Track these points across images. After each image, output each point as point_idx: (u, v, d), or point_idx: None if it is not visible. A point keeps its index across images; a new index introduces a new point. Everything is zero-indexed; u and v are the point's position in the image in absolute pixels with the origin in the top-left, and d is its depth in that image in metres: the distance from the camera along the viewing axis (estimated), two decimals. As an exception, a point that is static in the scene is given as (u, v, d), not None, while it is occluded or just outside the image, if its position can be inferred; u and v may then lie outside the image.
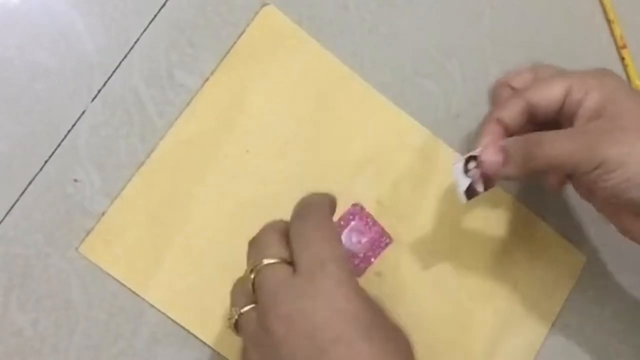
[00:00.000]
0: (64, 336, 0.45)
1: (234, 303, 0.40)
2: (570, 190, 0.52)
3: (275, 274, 0.38)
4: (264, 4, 0.49)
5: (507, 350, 0.50)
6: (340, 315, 0.36)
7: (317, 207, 0.40)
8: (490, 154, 0.44)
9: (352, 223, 0.48)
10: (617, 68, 0.55)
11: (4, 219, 0.45)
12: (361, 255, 0.48)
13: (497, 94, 0.49)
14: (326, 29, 0.50)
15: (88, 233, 0.45)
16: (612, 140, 0.41)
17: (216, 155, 0.47)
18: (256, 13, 0.49)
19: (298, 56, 0.49)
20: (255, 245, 0.40)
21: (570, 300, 0.52)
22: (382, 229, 0.49)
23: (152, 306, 0.46)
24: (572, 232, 0.53)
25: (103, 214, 0.46)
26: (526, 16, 0.54)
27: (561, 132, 0.43)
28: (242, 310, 0.39)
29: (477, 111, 0.51)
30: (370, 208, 0.49)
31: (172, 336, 0.46)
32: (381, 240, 0.49)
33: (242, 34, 0.49)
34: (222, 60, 0.48)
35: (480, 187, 0.44)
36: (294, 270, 0.38)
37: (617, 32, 0.55)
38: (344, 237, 0.48)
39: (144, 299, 0.46)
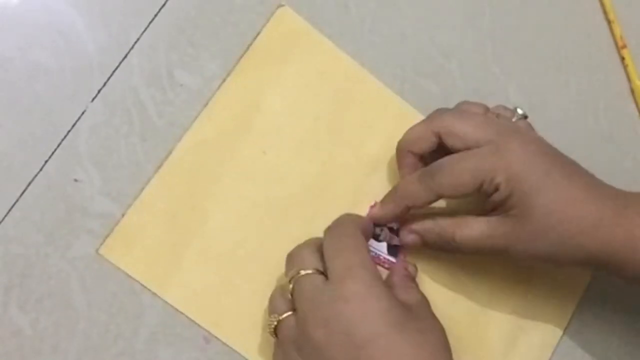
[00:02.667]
0: (64, 336, 0.45)
1: (273, 310, 0.44)
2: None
3: (311, 283, 0.42)
4: (279, 5, 0.49)
5: (524, 347, 0.50)
6: (373, 314, 0.40)
7: (346, 223, 0.45)
8: (407, 238, 0.47)
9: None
10: (617, 68, 0.55)
11: (4, 219, 0.45)
12: (385, 254, 0.48)
13: (399, 162, 0.48)
14: (326, 29, 0.50)
15: (108, 235, 0.46)
16: (519, 241, 0.44)
17: (233, 156, 0.48)
18: (271, 14, 0.49)
19: (313, 56, 0.50)
20: (293, 258, 0.44)
21: (586, 296, 0.52)
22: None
23: (153, 306, 0.46)
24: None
25: (112, 215, 0.46)
26: (526, 16, 0.54)
27: (475, 230, 0.44)
28: (281, 317, 0.43)
29: (477, 111, 0.51)
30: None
31: (172, 336, 0.46)
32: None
33: (257, 34, 0.49)
34: (238, 60, 0.48)
35: (396, 241, 0.48)
36: (327, 279, 0.42)
37: (617, 32, 0.55)
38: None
39: (144, 299, 0.46)
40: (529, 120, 0.48)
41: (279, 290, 0.44)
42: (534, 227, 0.43)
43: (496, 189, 0.43)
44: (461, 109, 0.48)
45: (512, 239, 0.44)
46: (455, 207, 0.50)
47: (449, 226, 0.45)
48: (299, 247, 0.45)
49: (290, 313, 0.42)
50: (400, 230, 0.47)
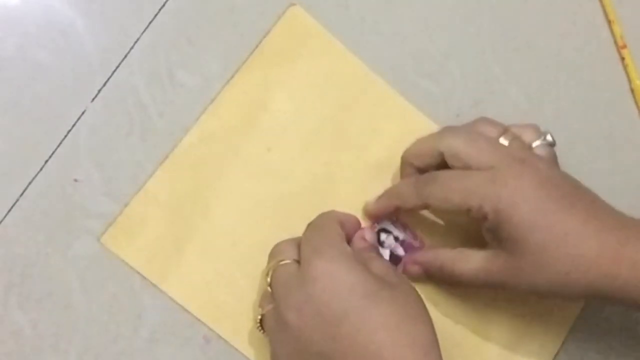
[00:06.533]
0: (64, 336, 0.45)
1: (259, 305, 0.44)
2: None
3: (285, 271, 0.42)
4: (291, 4, 0.49)
5: (523, 356, 0.50)
6: (342, 289, 0.40)
7: (320, 217, 0.45)
8: (411, 269, 0.47)
9: (383, 223, 0.49)
10: (617, 68, 0.55)
11: (4, 219, 0.45)
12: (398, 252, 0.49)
13: (402, 172, 0.49)
14: (326, 29, 0.50)
15: (110, 224, 0.46)
16: (514, 276, 0.43)
17: (238, 152, 0.48)
18: (283, 12, 0.49)
19: (321, 56, 0.50)
20: (273, 252, 0.45)
21: (586, 304, 0.51)
22: (414, 233, 0.49)
23: (153, 306, 0.46)
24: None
25: (112, 214, 0.46)
26: (526, 16, 0.54)
27: (473, 264, 0.44)
28: (263, 311, 0.43)
29: (477, 111, 0.51)
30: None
31: (172, 336, 0.46)
32: (414, 242, 0.49)
33: (262, 34, 0.49)
34: (240, 60, 0.48)
35: (400, 251, 0.48)
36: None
37: (617, 32, 0.55)
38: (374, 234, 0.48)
39: (144, 299, 0.46)
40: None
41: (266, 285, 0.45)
42: (528, 263, 0.42)
43: (485, 218, 0.43)
44: (473, 130, 0.47)
45: (508, 274, 0.43)
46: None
47: (449, 260, 0.45)
48: (280, 242, 0.45)
49: (272, 306, 0.43)
50: (404, 261, 0.48)
